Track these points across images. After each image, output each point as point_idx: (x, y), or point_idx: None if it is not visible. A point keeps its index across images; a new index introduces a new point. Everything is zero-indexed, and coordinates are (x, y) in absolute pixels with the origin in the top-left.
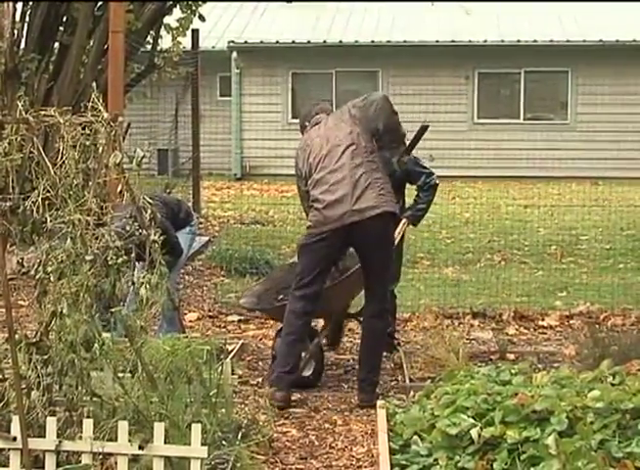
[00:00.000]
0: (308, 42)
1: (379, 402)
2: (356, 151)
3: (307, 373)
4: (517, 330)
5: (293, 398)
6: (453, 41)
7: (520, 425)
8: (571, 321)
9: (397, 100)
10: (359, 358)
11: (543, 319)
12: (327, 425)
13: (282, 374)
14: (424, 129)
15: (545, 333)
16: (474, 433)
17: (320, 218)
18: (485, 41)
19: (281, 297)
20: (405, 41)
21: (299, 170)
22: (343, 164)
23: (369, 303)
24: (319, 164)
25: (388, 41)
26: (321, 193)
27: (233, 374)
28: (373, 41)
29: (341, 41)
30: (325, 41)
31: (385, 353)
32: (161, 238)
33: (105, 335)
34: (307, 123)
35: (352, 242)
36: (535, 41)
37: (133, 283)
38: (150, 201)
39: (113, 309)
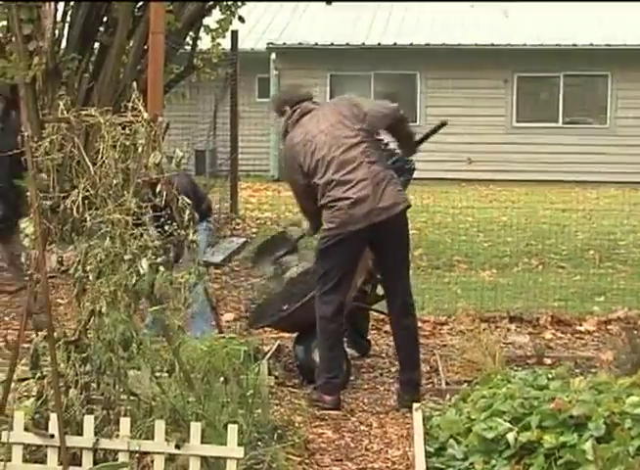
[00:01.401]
0: (347, 44)
1: (415, 405)
2: (368, 148)
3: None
4: (554, 335)
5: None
6: (492, 44)
7: (557, 430)
8: (608, 326)
9: (435, 102)
10: (399, 359)
11: (581, 324)
12: (363, 427)
13: (329, 380)
14: (441, 125)
15: (582, 338)
16: (510, 437)
17: (345, 218)
18: (525, 44)
19: (286, 306)
20: (444, 44)
21: (301, 165)
22: (361, 163)
23: (393, 300)
24: (332, 163)
25: (427, 44)
26: (344, 192)
27: (269, 375)
28: (411, 43)
29: (379, 43)
30: (363, 43)
31: (356, 354)
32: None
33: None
34: (288, 108)
35: (375, 240)
36: (575, 45)
37: (171, 282)
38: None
39: (151, 309)
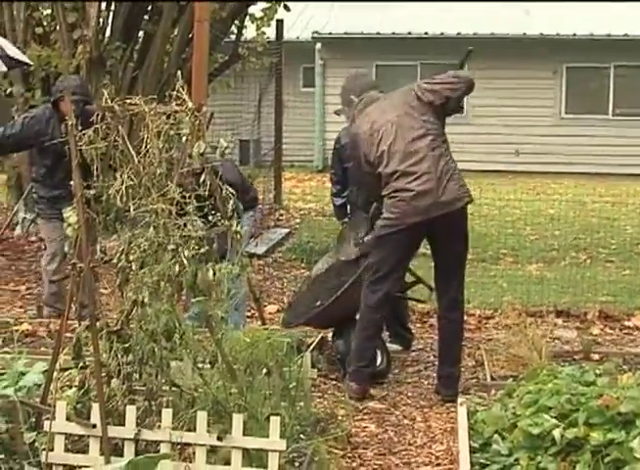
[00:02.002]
0: (393, 33)
1: (459, 400)
2: (434, 140)
3: (379, 364)
4: (601, 330)
5: (372, 392)
6: (541, 34)
7: (604, 427)
8: None
9: (482, 93)
10: (439, 353)
11: (629, 320)
12: (406, 421)
13: (360, 368)
14: (469, 52)
15: (631, 334)
16: (556, 434)
17: (406, 210)
18: (575, 34)
19: (319, 303)
20: (492, 33)
21: (365, 154)
22: (426, 155)
23: (444, 294)
24: (397, 153)
25: (474, 33)
26: (407, 184)
27: (312, 367)
28: (459, 33)
29: (426, 32)
30: (410, 32)
31: (399, 348)
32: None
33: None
34: (354, 97)
35: (432, 234)
36: (627, 35)
37: (214, 273)
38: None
39: (194, 300)
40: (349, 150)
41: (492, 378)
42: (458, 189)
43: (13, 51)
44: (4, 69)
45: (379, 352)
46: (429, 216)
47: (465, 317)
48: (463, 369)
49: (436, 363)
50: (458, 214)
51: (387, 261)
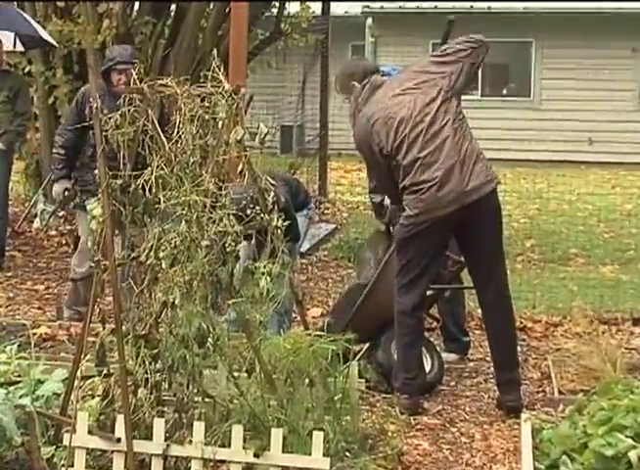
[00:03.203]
0: (452, 9)
1: (523, 416)
2: (455, 121)
3: (429, 371)
4: None
5: (426, 406)
6: (619, 8)
7: None
8: None
9: (552, 75)
10: (492, 358)
11: None
12: (463, 439)
13: (407, 380)
14: (451, 23)
15: None
16: (632, 455)
17: (432, 202)
18: None
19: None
20: (563, 8)
21: (381, 146)
22: (447, 138)
23: (486, 292)
24: (417, 139)
25: (543, 8)
26: (430, 173)
27: (360, 378)
28: (525, 8)
29: (489, 7)
30: (471, 7)
31: (460, 356)
32: (284, 223)
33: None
34: (356, 84)
35: (464, 225)
36: None
37: (252, 273)
38: (272, 182)
39: (231, 301)
40: (357, 143)
41: (560, 392)
42: (486, 171)
43: (44, 33)
44: (22, 49)
45: (427, 358)
46: (459, 205)
47: (530, 323)
48: (527, 382)
49: None
50: (490, 199)
51: (416, 263)
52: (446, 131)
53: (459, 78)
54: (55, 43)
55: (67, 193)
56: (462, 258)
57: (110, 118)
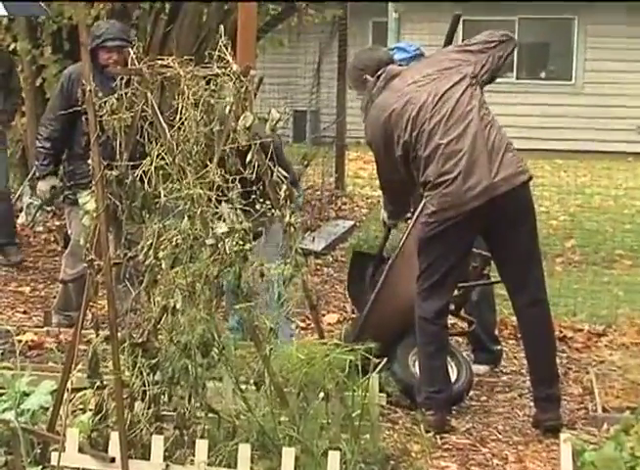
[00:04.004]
0: None
1: (563, 436)
2: (482, 109)
3: (455, 381)
4: None
5: (453, 424)
6: None
7: None
8: None
9: (596, 55)
10: (529, 371)
11: None
12: (496, 461)
13: (432, 394)
14: (457, 19)
15: None
16: None
17: (458, 196)
18: None
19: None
20: None
21: (400, 136)
22: (473, 124)
23: (520, 297)
24: (439, 126)
25: None
26: (454, 164)
27: (381, 392)
28: None
29: None
30: None
31: (491, 367)
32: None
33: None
34: (368, 77)
35: (495, 220)
36: None
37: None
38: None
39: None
40: (370, 137)
41: (604, 410)
42: (517, 161)
43: None
44: (3, 12)
45: (452, 366)
46: (487, 198)
47: (570, 333)
48: (567, 398)
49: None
50: (522, 192)
51: (440, 264)
52: (472, 117)
53: (483, 69)
54: (45, 9)
55: (54, 191)
56: (487, 253)
57: (105, 103)
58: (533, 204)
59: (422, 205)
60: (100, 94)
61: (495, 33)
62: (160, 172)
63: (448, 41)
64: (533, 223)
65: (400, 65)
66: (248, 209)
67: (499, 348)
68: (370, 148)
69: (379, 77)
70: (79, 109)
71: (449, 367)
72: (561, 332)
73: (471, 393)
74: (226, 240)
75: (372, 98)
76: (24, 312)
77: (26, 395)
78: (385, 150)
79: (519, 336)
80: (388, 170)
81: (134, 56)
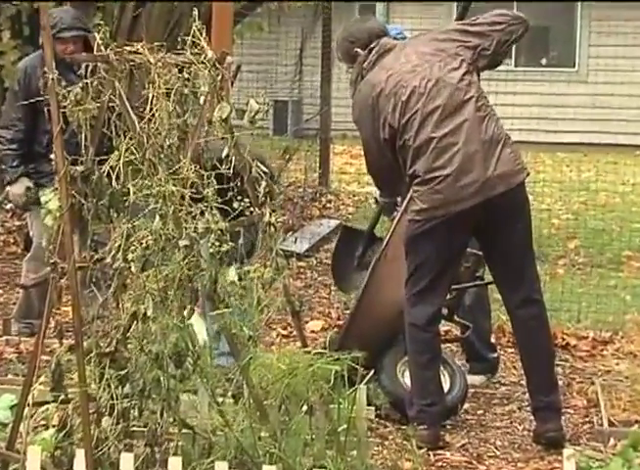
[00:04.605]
0: None
1: (566, 452)
2: (480, 99)
3: (448, 391)
4: None
5: (448, 439)
6: None
7: None
8: None
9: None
10: (526, 379)
11: None
12: None
13: (424, 408)
14: None
15: None
16: None
17: (450, 194)
18: None
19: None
20: None
21: (387, 119)
22: (470, 115)
23: (513, 291)
24: (432, 115)
25: None
26: (448, 159)
27: (369, 405)
28: None
29: None
30: None
31: (487, 377)
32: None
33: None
34: (359, 50)
35: (487, 222)
36: None
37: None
38: (264, 169)
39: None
40: (357, 115)
41: (611, 423)
42: (515, 159)
43: None
44: None
45: (444, 375)
46: (483, 198)
47: (573, 340)
48: (571, 411)
49: None
50: (518, 192)
51: (430, 266)
52: (469, 108)
53: (483, 53)
54: None
55: (29, 193)
56: (479, 252)
57: (69, 92)
58: (529, 201)
59: (407, 200)
60: (64, 83)
61: (507, 14)
62: (130, 168)
63: (461, 15)
64: (528, 221)
65: (396, 38)
66: (224, 207)
67: (495, 355)
68: (357, 125)
69: (371, 51)
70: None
71: (442, 377)
72: (563, 339)
73: (466, 405)
74: (201, 241)
75: (362, 73)
76: None
77: None
78: (372, 131)
79: (515, 342)
80: (375, 154)
81: (100, 41)
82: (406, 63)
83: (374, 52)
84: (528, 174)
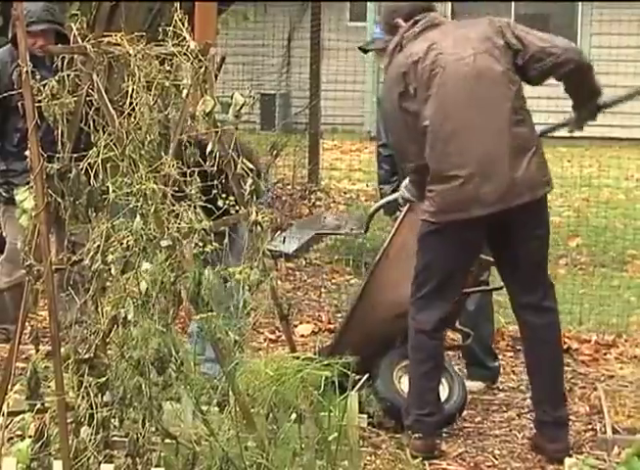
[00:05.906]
0: None
1: (568, 461)
2: (517, 101)
3: (445, 399)
4: None
5: (444, 448)
6: None
7: None
8: None
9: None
10: (532, 388)
11: None
12: None
13: (421, 417)
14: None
15: None
16: None
17: (471, 197)
18: None
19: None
20: None
21: (413, 93)
22: (503, 113)
23: (527, 294)
24: (462, 110)
25: None
26: (471, 158)
27: (361, 412)
28: None
29: None
30: None
31: (487, 385)
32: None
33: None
34: (400, 21)
35: (502, 230)
36: None
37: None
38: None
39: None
40: (386, 88)
41: (615, 431)
42: (543, 169)
43: None
44: None
45: (444, 384)
46: (505, 207)
47: (575, 344)
48: (573, 418)
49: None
50: (541, 203)
51: (438, 268)
52: (505, 107)
53: (534, 66)
54: None
55: (7, 194)
56: (487, 257)
57: (44, 86)
58: (548, 214)
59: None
60: (38, 76)
61: (578, 50)
62: (109, 165)
63: (615, 102)
64: (547, 232)
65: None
66: (208, 205)
67: (497, 364)
68: (384, 103)
69: (416, 22)
70: (10, 101)
71: (441, 385)
72: (565, 343)
73: (464, 412)
74: (184, 241)
75: (402, 43)
76: None
77: None
78: (399, 104)
79: (517, 348)
80: (402, 136)
81: (76, 32)
82: (452, 44)
83: (420, 24)
84: (552, 188)
